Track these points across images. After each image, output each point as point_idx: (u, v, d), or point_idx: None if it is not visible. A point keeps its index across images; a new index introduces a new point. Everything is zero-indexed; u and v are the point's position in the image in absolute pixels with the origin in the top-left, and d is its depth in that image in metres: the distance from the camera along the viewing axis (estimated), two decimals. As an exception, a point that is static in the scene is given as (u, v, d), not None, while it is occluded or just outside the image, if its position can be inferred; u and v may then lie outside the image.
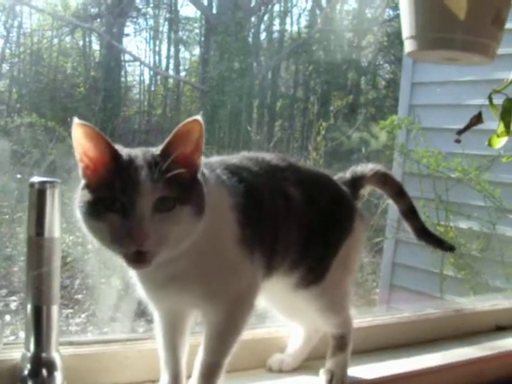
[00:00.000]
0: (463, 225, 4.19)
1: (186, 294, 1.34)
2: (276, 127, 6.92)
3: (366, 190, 1.75)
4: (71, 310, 4.16)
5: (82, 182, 1.24)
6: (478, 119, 1.84)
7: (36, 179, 1.34)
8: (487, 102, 1.82)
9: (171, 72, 8.31)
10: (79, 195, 1.23)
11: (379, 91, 7.57)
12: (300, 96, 7.19)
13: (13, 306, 3.97)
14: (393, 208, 1.82)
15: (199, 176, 1.25)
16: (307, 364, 1.72)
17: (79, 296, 4.27)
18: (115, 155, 1.20)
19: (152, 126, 7.53)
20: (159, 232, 1.17)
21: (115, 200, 1.17)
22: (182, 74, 8.59)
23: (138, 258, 1.18)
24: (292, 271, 1.50)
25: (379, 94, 7.56)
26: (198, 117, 1.20)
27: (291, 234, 1.47)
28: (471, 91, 4.23)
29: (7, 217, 4.86)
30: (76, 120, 1.18)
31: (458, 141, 1.87)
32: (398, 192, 1.75)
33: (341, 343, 1.65)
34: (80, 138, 1.19)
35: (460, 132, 1.85)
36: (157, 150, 1.23)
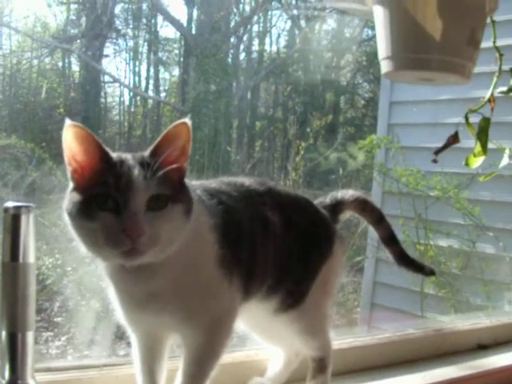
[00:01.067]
0: (443, 243, 4.20)
1: (164, 315, 1.32)
2: (256, 147, 6.93)
3: (346, 216, 1.74)
4: (51, 333, 4.12)
5: (71, 185, 1.22)
6: (454, 139, 1.84)
7: (10, 204, 1.32)
8: (464, 121, 1.82)
9: (151, 93, 8.32)
10: (68, 198, 1.21)
11: (358, 110, 7.61)
12: (279, 116, 7.21)
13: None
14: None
15: (186, 181, 1.26)
16: (287, 387, 1.71)
17: (59, 319, 4.22)
18: (105, 157, 1.20)
19: (132, 146, 7.51)
20: (152, 229, 1.17)
21: (108, 198, 1.17)
22: (162, 94, 8.60)
23: (131, 253, 1.18)
24: (270, 295, 1.49)
25: (358, 113, 7.60)
26: (187, 120, 1.20)
27: (269, 258, 1.46)
28: (448, 110, 4.25)
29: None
30: (68, 121, 1.17)
31: (435, 161, 1.87)
32: (377, 219, 1.75)
33: (320, 366, 1.64)
34: (69, 141, 1.18)
35: (437, 152, 1.86)
36: (146, 152, 1.23)
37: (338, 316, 4.59)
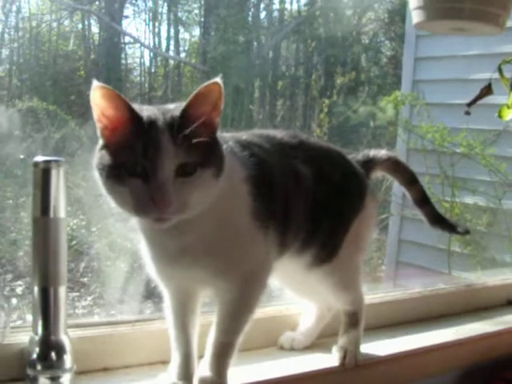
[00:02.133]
0: (469, 200, 4.16)
1: (197, 269, 1.31)
2: (278, 106, 6.88)
3: (376, 175, 1.72)
4: (77, 294, 4.15)
5: (100, 142, 1.21)
6: (487, 90, 1.82)
7: (40, 158, 1.31)
8: (495, 75, 1.79)
9: (171, 53, 8.26)
10: (98, 156, 1.20)
11: (381, 68, 7.52)
12: (301, 74, 7.13)
13: (19, 290, 3.96)
14: (397, 184, 1.80)
15: (217, 136, 1.23)
16: (319, 342, 1.71)
17: (85, 279, 4.26)
18: (135, 116, 1.17)
19: (153, 108, 7.46)
20: (181, 197, 1.15)
21: (136, 165, 1.15)
22: (182, 55, 8.54)
23: (159, 221, 1.17)
24: (304, 250, 1.48)
25: (381, 71, 7.51)
26: (218, 79, 1.16)
27: (302, 212, 1.45)
28: (475, 65, 4.19)
29: (11, 202, 4.84)
30: (95, 82, 1.15)
31: (467, 113, 1.85)
32: (410, 180, 1.74)
33: (353, 320, 1.63)
34: (98, 99, 1.16)
35: (470, 104, 1.83)
36: (176, 109, 1.19)
37: (363, 274, 4.58)
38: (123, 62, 8.06)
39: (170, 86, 8.06)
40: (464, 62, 4.41)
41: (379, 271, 5.03)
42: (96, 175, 1.20)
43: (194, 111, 1.17)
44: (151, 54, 8.16)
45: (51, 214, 1.31)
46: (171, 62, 8.25)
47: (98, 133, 1.20)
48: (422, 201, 1.75)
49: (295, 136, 1.53)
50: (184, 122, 1.16)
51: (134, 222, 1.30)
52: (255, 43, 7.29)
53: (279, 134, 1.51)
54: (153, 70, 8.29)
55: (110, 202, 1.21)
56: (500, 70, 1.75)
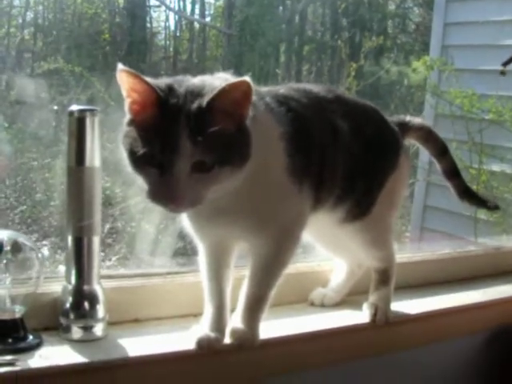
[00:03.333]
0: (496, 167, 4.12)
1: (233, 226, 1.31)
2: (303, 71, 6.83)
3: (407, 142, 1.70)
4: (102, 254, 4.17)
5: (128, 117, 1.20)
6: (524, 50, 1.79)
7: (75, 107, 1.31)
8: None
9: (197, 17, 8.22)
10: (124, 131, 1.19)
11: (409, 35, 7.43)
12: (327, 39, 7.07)
13: (44, 250, 4.00)
14: (424, 151, 1.78)
15: (246, 122, 1.19)
16: (349, 299, 1.72)
17: (109, 240, 4.28)
18: (160, 99, 1.15)
19: (178, 71, 7.46)
20: (195, 192, 1.15)
21: (154, 157, 1.14)
22: (208, 18, 8.48)
23: (173, 211, 1.20)
24: (338, 205, 1.48)
25: (408, 37, 7.42)
26: (247, 78, 1.13)
27: (338, 167, 1.45)
28: (507, 31, 4.13)
29: (36, 163, 4.86)
30: (120, 66, 1.14)
31: (503, 73, 1.83)
32: (441, 151, 1.73)
33: (384, 277, 1.63)
34: (125, 78, 1.15)
35: (506, 63, 1.81)
36: (205, 97, 1.15)
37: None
38: (148, 25, 8.01)
39: (195, 50, 8.03)
40: (495, 28, 4.34)
41: (403, 237, 5.00)
42: (120, 148, 1.20)
43: (220, 105, 1.14)
44: (176, 17, 8.11)
45: (86, 163, 1.31)
46: (196, 25, 8.21)
47: (126, 108, 1.19)
48: (452, 173, 1.75)
49: (331, 91, 1.51)
50: (208, 115, 1.14)
51: None
52: (281, 7, 7.21)
53: (316, 88, 1.49)
54: (178, 34, 8.25)
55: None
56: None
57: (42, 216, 4.38)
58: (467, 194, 1.77)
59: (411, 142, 1.72)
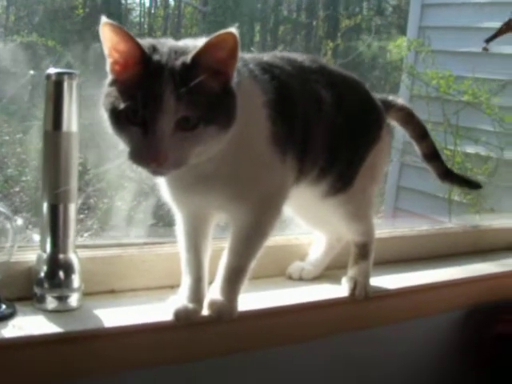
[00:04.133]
0: (470, 149, 4.13)
1: (214, 194, 1.28)
2: (279, 51, 6.81)
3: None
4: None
5: (110, 77, 1.16)
6: (508, 27, 1.78)
7: (52, 70, 1.27)
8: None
9: (171, -6, 8.14)
10: (105, 92, 1.15)
11: (384, 18, 7.43)
12: (302, 20, 7.04)
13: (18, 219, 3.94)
14: (398, 131, 1.77)
15: (232, 84, 1.16)
16: (328, 273, 1.70)
17: (81, 216, 4.23)
18: (144, 57, 1.11)
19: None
20: (179, 151, 1.11)
21: (137, 113, 1.10)
22: (184, -4, 8.42)
23: (156, 172, 1.16)
24: (321, 178, 1.46)
25: (384, 20, 7.42)
26: (233, 29, 1.08)
27: (321, 138, 1.42)
28: (484, 13, 4.12)
29: (7, 138, 4.79)
30: (104, 18, 1.09)
31: (485, 49, 1.81)
32: (421, 134, 1.72)
33: (363, 251, 1.62)
34: (108, 34, 1.11)
35: (489, 40, 1.80)
36: (189, 54, 1.12)
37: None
38: (123, 1, 7.94)
39: (170, 28, 7.97)
40: (473, 10, 4.33)
41: (377, 217, 5.01)
42: (101, 111, 1.16)
43: (206, 59, 1.10)
44: (152, -7, 8.06)
45: (64, 128, 1.27)
46: (172, 2, 8.15)
47: (108, 68, 1.16)
48: (432, 156, 1.75)
49: (315, 60, 1.48)
50: (194, 70, 1.10)
51: None
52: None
53: (300, 57, 1.46)
54: (152, 11, 8.18)
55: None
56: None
57: (14, 191, 4.32)
58: (448, 175, 1.77)
59: (390, 123, 1.69)
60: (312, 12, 7.00)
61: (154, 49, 1.14)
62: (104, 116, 1.16)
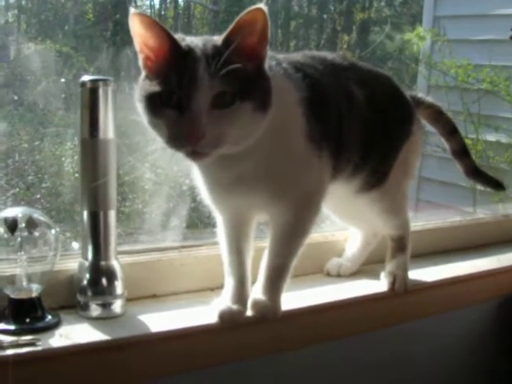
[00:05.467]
0: (491, 137, 4.10)
1: (253, 194, 1.28)
2: (291, 47, 6.79)
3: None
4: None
5: (143, 73, 1.17)
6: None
7: (87, 78, 1.27)
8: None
9: (181, -5, 8.14)
10: (139, 87, 1.16)
11: (394, 8, 7.40)
12: (313, 15, 7.03)
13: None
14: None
15: (265, 68, 1.16)
16: (365, 268, 1.70)
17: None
18: (174, 45, 1.12)
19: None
20: (217, 129, 1.10)
21: (172, 95, 1.10)
22: (194, -4, 8.42)
23: (193, 155, 1.13)
24: (355, 175, 1.46)
25: (393, 11, 7.39)
26: (262, 5, 1.07)
27: (355, 135, 1.42)
28: (499, 1, 4.11)
29: (26, 145, 4.80)
30: (132, 10, 1.09)
31: (512, 38, 1.81)
32: (450, 131, 1.73)
33: (400, 244, 1.62)
34: (138, 28, 1.11)
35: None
36: (218, 39, 1.13)
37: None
38: (132, 4, 7.94)
39: (180, 28, 7.96)
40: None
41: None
42: (138, 107, 1.17)
43: (236, 38, 1.10)
44: (163, -5, 8.05)
45: (100, 135, 1.28)
46: (181, 2, 8.14)
47: (140, 63, 1.16)
48: (461, 153, 1.75)
49: (346, 58, 1.50)
50: (225, 49, 1.10)
51: None
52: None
53: (330, 55, 1.47)
54: (162, 13, 8.18)
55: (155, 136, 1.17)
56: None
57: (35, 198, 4.33)
58: (475, 173, 1.77)
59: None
60: (322, 6, 6.99)
61: (183, 39, 1.15)
62: (139, 109, 1.16)
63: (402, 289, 1.57)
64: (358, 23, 4.57)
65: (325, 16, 6.41)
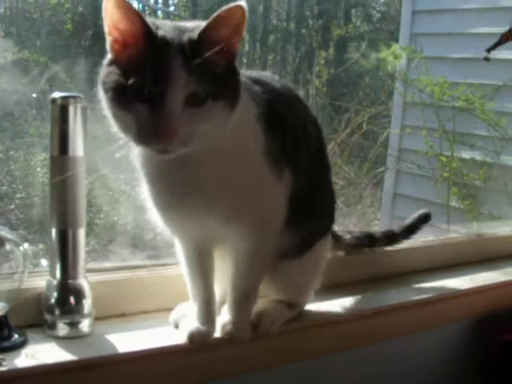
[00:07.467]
0: (466, 155, 4.13)
1: (209, 211, 1.22)
2: (269, 61, 6.80)
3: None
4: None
5: (109, 56, 1.12)
6: (508, 36, 1.78)
7: (57, 94, 1.26)
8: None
9: (160, 6, 8.14)
10: (104, 72, 1.11)
11: (372, 24, 7.44)
12: (292, 29, 7.05)
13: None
14: (394, 138, 1.78)
15: (235, 64, 1.14)
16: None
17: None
18: (148, 33, 1.07)
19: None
20: (188, 128, 1.07)
21: (144, 89, 1.06)
22: (171, 8, 8.42)
23: (162, 152, 1.09)
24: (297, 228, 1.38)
25: (372, 27, 7.43)
26: (242, 2, 1.06)
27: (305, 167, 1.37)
28: (475, 19, 4.15)
29: (1, 155, 4.76)
30: None
31: (487, 59, 1.81)
32: (370, 240, 1.82)
33: (291, 304, 1.51)
34: (110, 10, 1.07)
35: (490, 49, 1.79)
36: (194, 30, 1.09)
37: (358, 228, 4.57)
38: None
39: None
40: (463, 16, 4.35)
41: (373, 225, 5.00)
42: (100, 93, 1.12)
43: (212, 35, 1.07)
44: (140, 6, 8.04)
45: (70, 153, 1.26)
46: (160, 14, 8.15)
47: (108, 46, 1.12)
48: (384, 239, 1.86)
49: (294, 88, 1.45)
50: (201, 45, 1.07)
51: (135, 156, 1.24)
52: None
53: (281, 80, 1.42)
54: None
55: (112, 126, 1.14)
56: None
57: (9, 209, 4.30)
58: (404, 233, 1.90)
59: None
60: (301, 21, 7.01)
61: (157, 27, 1.10)
62: (102, 97, 1.12)
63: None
64: (335, 39, 4.60)
65: (303, 31, 6.43)
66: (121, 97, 1.08)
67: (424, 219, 1.88)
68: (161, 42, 1.08)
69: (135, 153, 1.24)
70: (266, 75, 1.40)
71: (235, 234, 1.29)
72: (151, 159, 1.20)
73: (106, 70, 1.11)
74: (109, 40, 1.11)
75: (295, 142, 1.33)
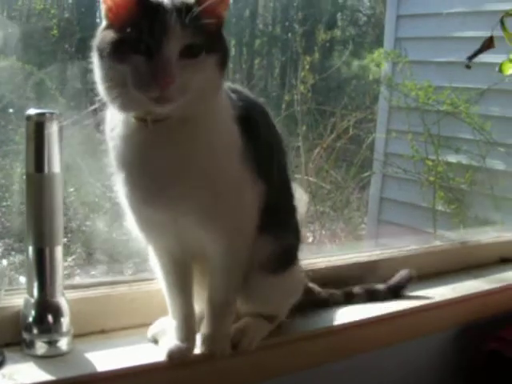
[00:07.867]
0: (452, 159, 4.14)
1: (185, 204, 1.21)
2: (255, 65, 6.80)
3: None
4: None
5: (104, 23, 1.14)
6: (489, 43, 1.77)
7: (33, 111, 1.25)
8: (493, 32, 1.75)
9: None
10: (99, 37, 1.14)
11: (359, 28, 7.45)
12: (278, 33, 7.06)
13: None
14: (379, 142, 1.77)
15: (223, 31, 1.18)
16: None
17: (64, 240, 4.18)
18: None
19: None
20: (184, 77, 1.10)
21: (140, 42, 1.09)
22: None
23: (159, 100, 1.10)
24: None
25: (358, 30, 7.44)
26: None
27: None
28: (459, 23, 4.16)
29: (-15, 164, 4.74)
30: None
31: (468, 66, 1.81)
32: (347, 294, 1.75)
33: (270, 317, 1.49)
34: None
35: (471, 57, 1.79)
36: None
37: (344, 233, 4.58)
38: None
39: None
40: (447, 20, 4.36)
41: (360, 229, 5.01)
42: (94, 59, 1.15)
43: (205, 4, 1.11)
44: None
45: (46, 170, 1.25)
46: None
47: (102, 13, 1.14)
48: (367, 295, 1.77)
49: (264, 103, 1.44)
50: (193, 8, 1.10)
51: (113, 148, 1.23)
52: (232, 0, 7.16)
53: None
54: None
55: (104, 95, 1.15)
56: (502, 24, 1.70)
57: (-7, 218, 4.28)
58: (390, 293, 1.81)
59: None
60: (287, 25, 7.00)
61: None
62: (96, 62, 1.14)
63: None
64: (320, 44, 4.60)
65: (289, 34, 6.44)
66: (117, 51, 1.11)
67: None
68: (156, 3, 1.11)
69: (111, 135, 1.23)
70: (239, 87, 1.40)
71: (208, 243, 1.28)
72: (131, 139, 1.20)
73: (101, 35, 1.14)
74: (103, 7, 1.13)
75: (267, 152, 1.33)
